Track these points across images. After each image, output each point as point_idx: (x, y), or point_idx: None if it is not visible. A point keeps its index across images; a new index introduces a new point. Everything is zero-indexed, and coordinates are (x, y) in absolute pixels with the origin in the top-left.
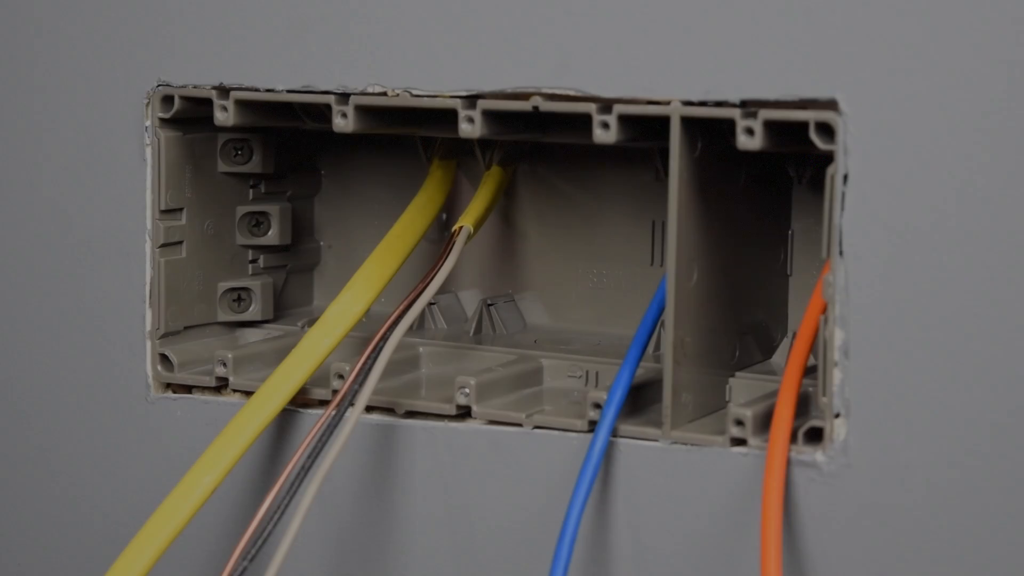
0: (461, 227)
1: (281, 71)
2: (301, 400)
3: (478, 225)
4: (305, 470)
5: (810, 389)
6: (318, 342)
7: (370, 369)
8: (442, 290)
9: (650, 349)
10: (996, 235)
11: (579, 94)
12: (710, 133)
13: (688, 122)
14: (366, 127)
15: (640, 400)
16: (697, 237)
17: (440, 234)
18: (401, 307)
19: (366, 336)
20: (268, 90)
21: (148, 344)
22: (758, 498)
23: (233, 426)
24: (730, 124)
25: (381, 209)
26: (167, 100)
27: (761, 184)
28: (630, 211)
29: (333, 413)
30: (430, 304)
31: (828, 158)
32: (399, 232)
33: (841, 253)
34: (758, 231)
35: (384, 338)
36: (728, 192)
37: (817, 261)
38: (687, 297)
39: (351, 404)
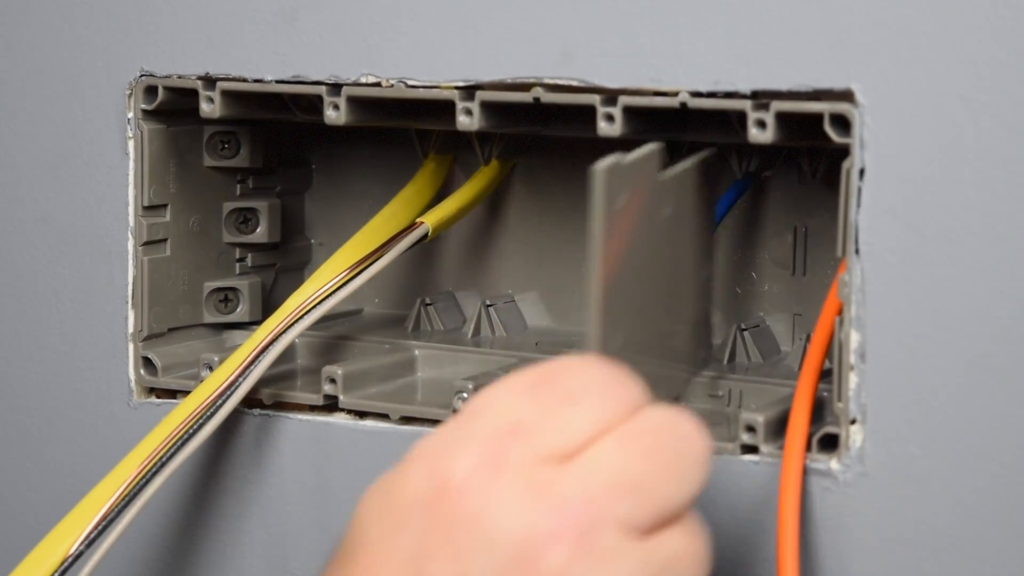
0: (420, 223)
1: (270, 60)
2: (283, 404)
3: (442, 225)
4: (162, 461)
5: (825, 394)
6: (269, 332)
7: (256, 361)
8: (440, 290)
9: None
10: (1019, 232)
11: (582, 85)
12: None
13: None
14: (359, 119)
15: None
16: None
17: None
18: (311, 300)
19: (328, 335)
20: (256, 80)
21: (130, 347)
22: (770, 507)
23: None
24: (740, 116)
25: (375, 205)
26: (150, 91)
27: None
28: None
29: (213, 399)
30: (426, 304)
31: (843, 152)
32: (377, 225)
33: (857, 251)
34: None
35: (285, 330)
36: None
37: (832, 259)
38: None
39: (230, 394)
